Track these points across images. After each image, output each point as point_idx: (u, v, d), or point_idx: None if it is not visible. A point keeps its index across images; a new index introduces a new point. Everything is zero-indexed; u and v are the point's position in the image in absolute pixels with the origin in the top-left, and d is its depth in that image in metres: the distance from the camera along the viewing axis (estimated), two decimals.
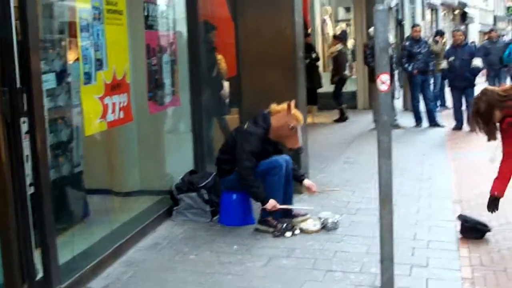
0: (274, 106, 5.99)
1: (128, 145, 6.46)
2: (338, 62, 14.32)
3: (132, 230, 5.70)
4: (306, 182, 6.24)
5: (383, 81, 3.91)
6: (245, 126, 5.97)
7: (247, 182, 5.80)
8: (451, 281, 4.68)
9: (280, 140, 6.02)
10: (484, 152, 10.37)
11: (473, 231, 5.72)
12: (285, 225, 5.87)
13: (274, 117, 5.94)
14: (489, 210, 5.61)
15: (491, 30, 17.09)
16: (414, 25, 13.75)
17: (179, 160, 7.22)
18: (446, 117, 14.64)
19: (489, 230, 5.78)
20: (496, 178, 5.56)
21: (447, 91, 15.65)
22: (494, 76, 16.13)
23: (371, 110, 14.15)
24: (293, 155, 6.32)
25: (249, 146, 5.78)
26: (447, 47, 15.12)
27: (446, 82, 14.72)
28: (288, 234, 5.79)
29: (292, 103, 6.00)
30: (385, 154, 4.05)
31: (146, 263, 5.19)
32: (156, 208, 6.42)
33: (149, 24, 6.22)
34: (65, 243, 4.86)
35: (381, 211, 4.15)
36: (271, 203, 5.80)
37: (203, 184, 6.41)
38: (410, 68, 12.91)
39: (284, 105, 5.94)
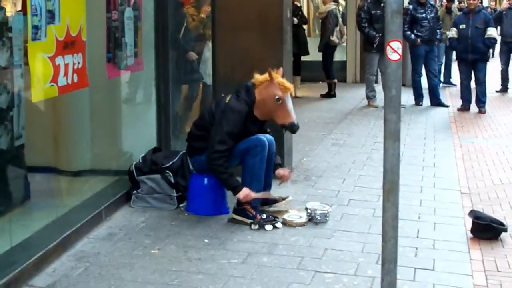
0: (257, 76, 5.90)
1: (81, 116, 6.37)
2: (328, 26, 14.24)
3: (82, 218, 5.62)
4: (280, 171, 6.22)
5: (394, 49, 3.87)
6: (227, 99, 5.88)
7: (214, 167, 5.77)
8: None
9: (268, 117, 5.93)
10: (495, 137, 10.52)
11: (486, 230, 5.74)
12: (265, 216, 5.84)
13: (257, 90, 5.86)
14: None
15: None
16: None
17: (140, 135, 7.14)
18: (451, 96, 14.74)
19: (505, 230, 5.81)
20: None
21: (453, 65, 15.73)
22: (508, 51, 15.78)
23: (363, 84, 14.17)
24: (285, 132, 6.29)
25: (228, 126, 5.71)
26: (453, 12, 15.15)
27: (453, 54, 14.74)
28: (269, 227, 5.76)
29: (280, 71, 5.94)
30: (392, 136, 4.00)
31: (99, 257, 5.12)
32: (111, 191, 6.34)
33: None
34: (1, 231, 4.77)
35: (384, 203, 4.11)
36: (244, 192, 5.77)
37: (168, 164, 6.34)
38: (412, 37, 12.88)
39: (267, 74, 5.86)
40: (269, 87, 5.81)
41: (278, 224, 5.83)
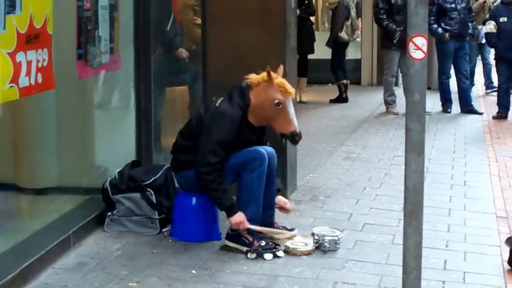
0: (253, 76, 5.91)
1: (46, 123, 6.38)
2: (337, 19, 14.26)
3: (47, 244, 5.59)
4: (280, 199, 6.26)
5: (417, 46, 3.89)
6: (217, 103, 5.90)
7: (205, 183, 5.77)
8: None
9: (265, 123, 5.96)
10: None
11: None
12: (264, 243, 5.84)
13: (253, 92, 5.88)
14: None
15: None
16: None
17: (116, 146, 7.15)
18: (485, 102, 14.76)
19: None
20: None
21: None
22: None
23: (380, 86, 14.19)
24: (285, 143, 6.28)
25: (218, 134, 5.71)
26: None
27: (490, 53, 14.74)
28: (268, 256, 5.76)
29: (279, 69, 5.96)
30: (415, 148, 4.04)
31: None
32: (82, 213, 6.34)
33: None
34: None
35: (406, 228, 4.13)
36: (238, 217, 5.76)
37: (149, 181, 6.33)
38: (440, 30, 12.92)
39: (264, 74, 5.86)
40: (267, 89, 5.82)
41: (280, 253, 5.82)
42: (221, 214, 6.13)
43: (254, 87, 5.87)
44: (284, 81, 5.90)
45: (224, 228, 6.05)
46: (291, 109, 5.90)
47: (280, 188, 6.35)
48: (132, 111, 7.19)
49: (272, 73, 5.82)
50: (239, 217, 5.76)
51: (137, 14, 7.08)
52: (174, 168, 6.18)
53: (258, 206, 5.89)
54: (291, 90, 5.91)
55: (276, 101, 5.80)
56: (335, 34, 14.20)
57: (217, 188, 5.77)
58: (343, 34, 14.19)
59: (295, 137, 5.93)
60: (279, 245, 5.91)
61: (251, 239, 5.84)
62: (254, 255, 5.76)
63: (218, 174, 5.76)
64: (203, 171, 5.75)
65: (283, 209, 6.28)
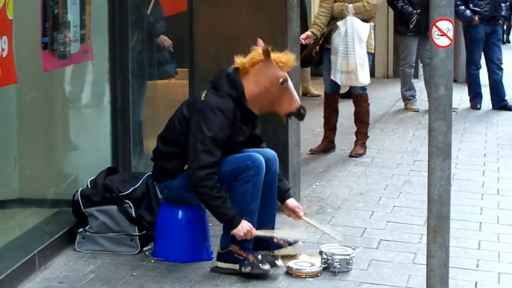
0: (240, 59, 5.94)
1: (6, 123, 6.38)
2: None
3: (8, 266, 5.60)
4: (291, 203, 6.25)
5: (442, 31, 3.91)
6: (202, 96, 5.91)
7: (204, 190, 5.75)
8: None
9: (269, 109, 6.01)
10: None
11: None
12: (260, 256, 5.83)
13: (248, 77, 5.89)
14: None
15: None
16: None
17: (88, 150, 7.16)
18: None
19: None
20: None
21: None
22: None
23: (397, 79, 14.20)
24: (290, 121, 6.36)
25: (211, 130, 5.71)
26: None
27: None
28: (266, 266, 5.74)
29: (259, 42, 6.01)
30: (440, 152, 4.05)
31: None
32: (48, 229, 6.33)
33: None
34: None
35: (429, 245, 4.15)
36: (244, 227, 5.75)
37: (128, 191, 6.36)
38: (468, 13, 12.95)
39: (255, 54, 5.91)
40: (268, 70, 5.87)
41: (279, 262, 5.88)
42: (213, 230, 6.15)
43: (247, 70, 5.91)
44: (277, 54, 5.96)
45: (216, 245, 6.05)
46: (292, 84, 5.99)
47: (289, 188, 6.35)
48: (107, 109, 7.19)
49: (267, 48, 5.85)
50: (244, 226, 5.74)
51: None
52: (156, 177, 6.18)
53: (253, 221, 5.87)
54: (286, 58, 5.96)
55: (281, 80, 5.87)
56: None
57: (218, 195, 5.73)
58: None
59: (301, 112, 5.98)
60: (276, 256, 5.96)
61: (245, 254, 5.81)
62: (249, 268, 5.73)
63: (217, 179, 5.73)
64: (201, 175, 5.70)
65: (293, 213, 6.25)
